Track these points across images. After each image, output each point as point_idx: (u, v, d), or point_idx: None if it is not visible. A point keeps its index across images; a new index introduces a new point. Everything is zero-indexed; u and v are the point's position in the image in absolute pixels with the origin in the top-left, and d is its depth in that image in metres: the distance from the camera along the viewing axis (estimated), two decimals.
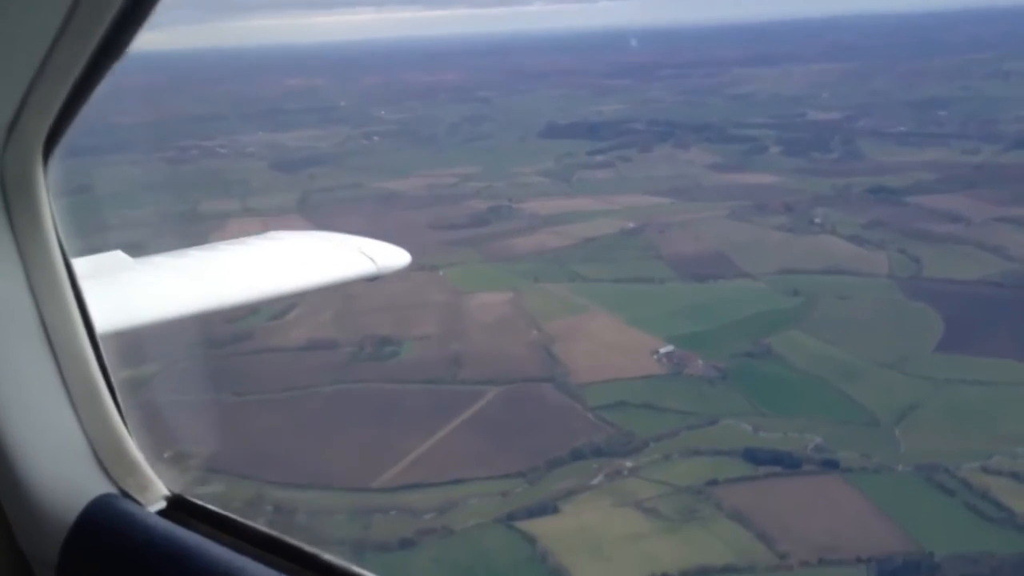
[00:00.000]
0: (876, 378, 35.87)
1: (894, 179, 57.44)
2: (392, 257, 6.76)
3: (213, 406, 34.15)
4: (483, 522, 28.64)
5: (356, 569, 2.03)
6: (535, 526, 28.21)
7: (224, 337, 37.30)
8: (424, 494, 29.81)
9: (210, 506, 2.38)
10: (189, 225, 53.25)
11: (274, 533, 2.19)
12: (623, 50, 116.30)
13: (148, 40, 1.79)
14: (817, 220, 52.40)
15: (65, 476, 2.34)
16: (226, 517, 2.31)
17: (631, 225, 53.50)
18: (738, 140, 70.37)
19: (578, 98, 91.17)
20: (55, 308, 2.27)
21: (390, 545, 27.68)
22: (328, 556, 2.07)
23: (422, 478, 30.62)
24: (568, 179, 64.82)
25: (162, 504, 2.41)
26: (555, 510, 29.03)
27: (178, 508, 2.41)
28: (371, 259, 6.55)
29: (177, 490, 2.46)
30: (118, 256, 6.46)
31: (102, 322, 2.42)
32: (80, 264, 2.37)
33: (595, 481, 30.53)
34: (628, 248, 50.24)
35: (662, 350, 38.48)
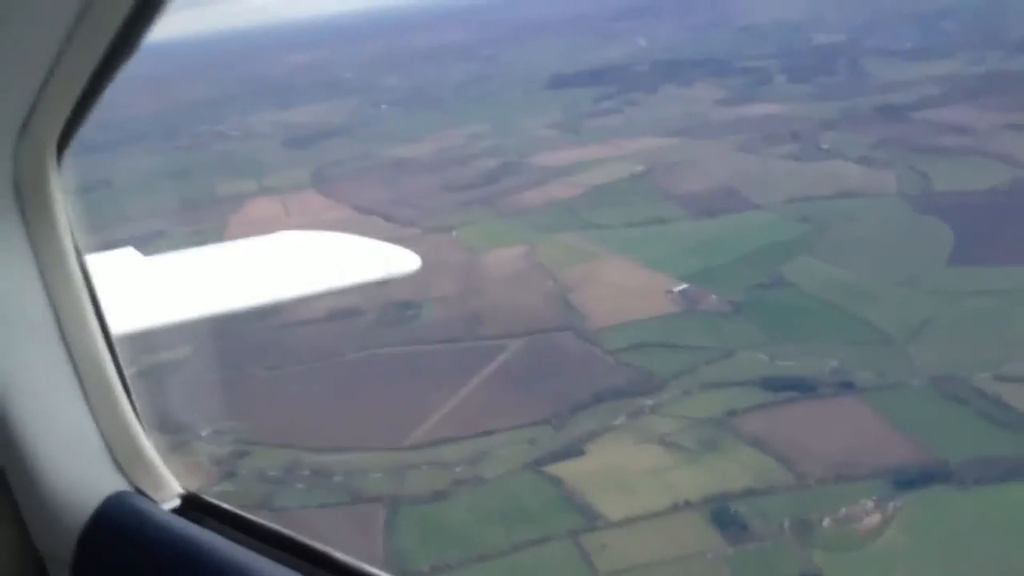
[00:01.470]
0: (889, 297, 36.26)
1: (900, 96, 56.79)
2: (402, 260, 6.79)
3: (246, 381, 35.41)
4: (512, 469, 29.64)
5: (368, 568, 2.06)
6: (562, 469, 29.18)
7: (251, 314, 38.29)
8: (454, 448, 30.83)
9: (224, 504, 2.40)
10: (208, 208, 54.21)
11: (287, 532, 2.21)
12: None
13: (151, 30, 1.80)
14: (824, 145, 52.21)
15: (80, 474, 2.34)
16: (240, 516, 2.33)
17: (640, 168, 53.57)
18: (743, 72, 69.73)
19: (584, 45, 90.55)
20: (69, 307, 2.26)
21: (423, 498, 28.79)
22: (340, 555, 2.09)
23: (451, 433, 31.58)
24: (576, 129, 64.71)
25: (176, 502, 2.44)
26: (580, 452, 29.96)
27: (192, 506, 2.44)
28: (382, 262, 6.74)
29: (192, 488, 2.50)
30: (130, 253, 6.60)
31: (114, 322, 2.44)
32: (91, 261, 2.39)
33: (617, 421, 31.33)
34: (638, 191, 50.45)
35: (676, 289, 39.01)
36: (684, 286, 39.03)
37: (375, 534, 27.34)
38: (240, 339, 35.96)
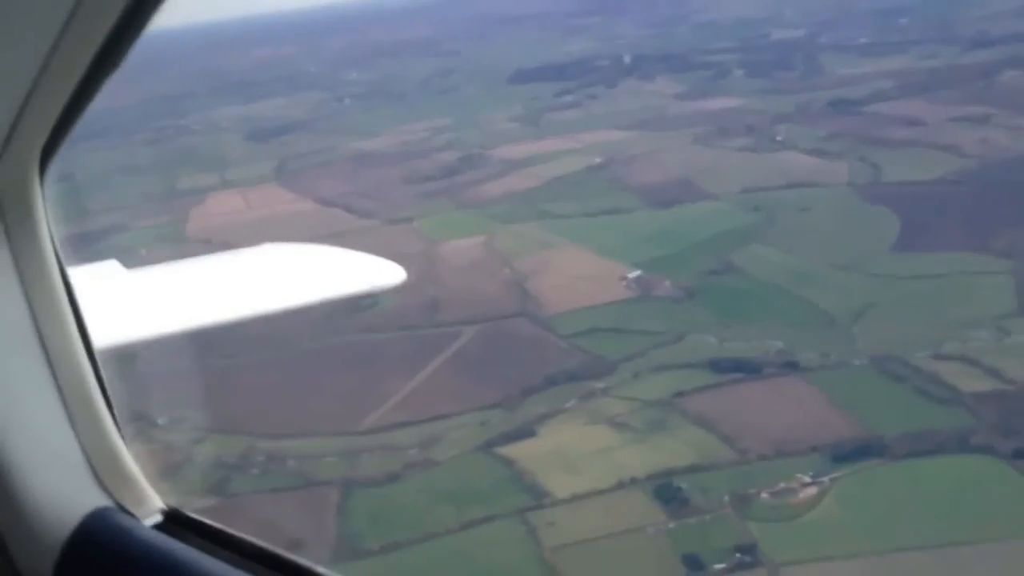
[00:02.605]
0: (835, 282, 37.14)
1: (854, 90, 57.69)
2: (387, 273, 6.80)
3: (202, 371, 35.50)
4: (464, 451, 30.16)
5: None
6: (513, 450, 29.73)
7: None
8: (408, 432, 31.25)
9: (207, 520, 2.37)
10: (169, 202, 54.14)
11: (270, 547, 2.17)
12: None
13: None
14: (778, 138, 52.96)
15: (61, 489, 2.31)
16: (222, 531, 2.30)
17: (598, 160, 54.16)
18: (702, 67, 70.46)
19: (547, 41, 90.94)
20: (51, 321, 2.24)
21: (376, 480, 29.25)
22: (323, 569, 2.07)
23: (405, 418, 32.00)
24: (537, 122, 65.07)
25: (158, 518, 2.41)
26: (532, 433, 30.52)
27: (174, 522, 2.41)
28: (366, 275, 6.78)
29: (173, 504, 2.46)
30: (113, 266, 6.72)
31: (96, 336, 2.40)
32: (74, 274, 2.36)
33: (568, 404, 31.91)
34: (595, 183, 50.97)
35: (630, 275, 39.64)
36: (638, 273, 39.66)
37: (328, 516, 27.76)
38: (196, 329, 35.87)
